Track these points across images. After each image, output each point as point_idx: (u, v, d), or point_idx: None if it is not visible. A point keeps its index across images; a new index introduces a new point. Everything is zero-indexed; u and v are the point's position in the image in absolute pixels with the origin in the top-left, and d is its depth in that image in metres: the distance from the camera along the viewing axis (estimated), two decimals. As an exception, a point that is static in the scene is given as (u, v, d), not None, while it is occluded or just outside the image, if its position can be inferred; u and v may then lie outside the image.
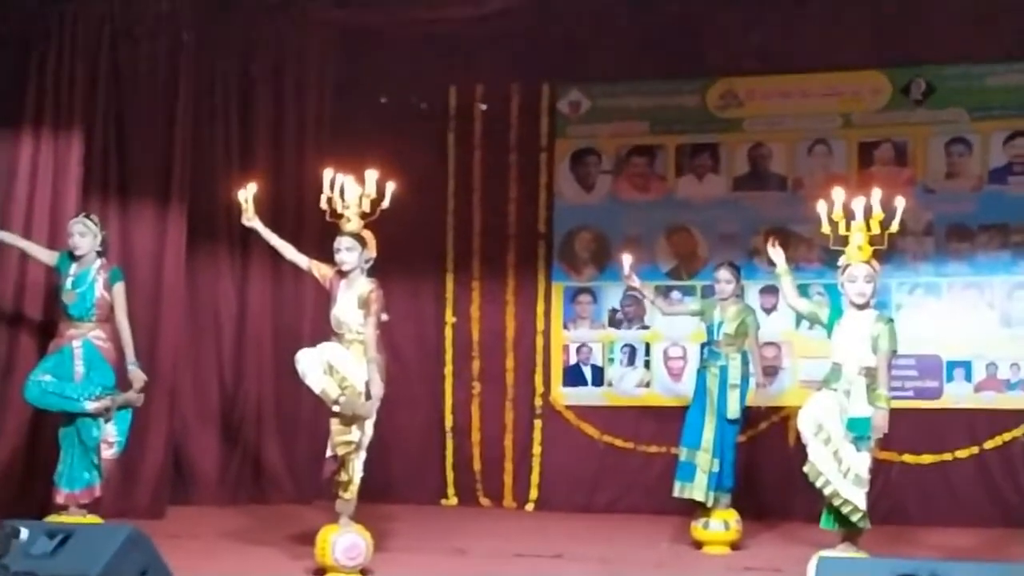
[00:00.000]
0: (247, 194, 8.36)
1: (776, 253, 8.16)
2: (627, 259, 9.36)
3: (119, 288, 8.65)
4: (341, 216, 8.12)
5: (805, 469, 7.64)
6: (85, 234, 8.64)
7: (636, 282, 9.43)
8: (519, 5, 10.14)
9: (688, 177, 10.92)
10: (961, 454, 10.12)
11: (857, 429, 7.51)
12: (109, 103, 9.88)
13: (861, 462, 7.53)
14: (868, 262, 7.71)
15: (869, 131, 10.60)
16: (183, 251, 10.13)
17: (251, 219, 8.39)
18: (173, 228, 10.03)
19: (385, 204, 8.11)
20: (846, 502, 7.50)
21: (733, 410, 9.05)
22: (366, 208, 8.12)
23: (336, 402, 7.87)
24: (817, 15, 10.44)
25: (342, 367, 7.92)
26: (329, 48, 11.27)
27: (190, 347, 10.53)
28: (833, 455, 7.53)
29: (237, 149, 10.88)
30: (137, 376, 8.61)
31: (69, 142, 9.45)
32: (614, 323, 10.94)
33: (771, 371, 10.21)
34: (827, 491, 7.54)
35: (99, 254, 8.70)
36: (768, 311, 10.34)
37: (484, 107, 11.27)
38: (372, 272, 8.29)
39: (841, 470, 7.51)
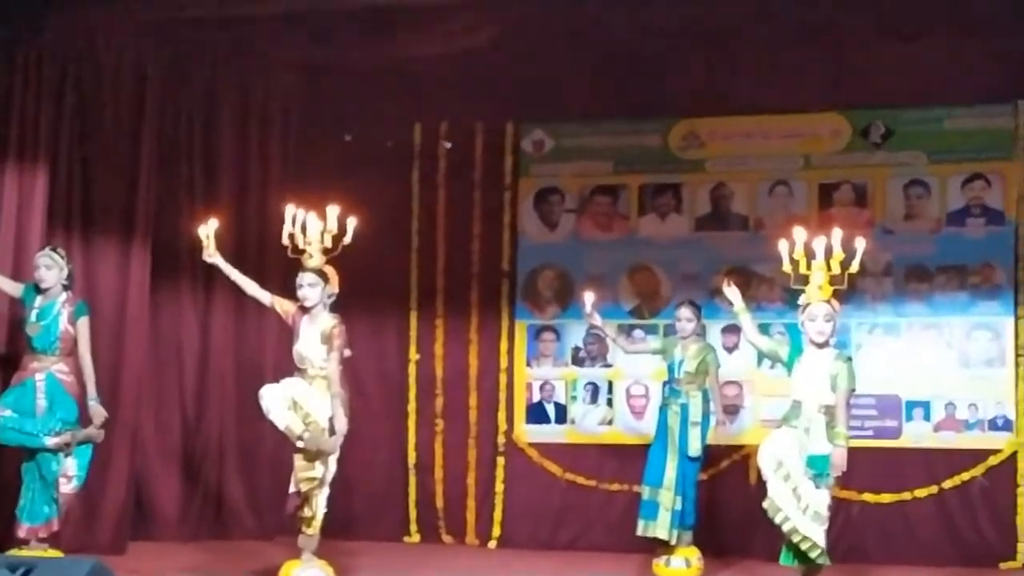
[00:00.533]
0: (208, 230, 8.40)
1: (732, 292, 8.26)
2: (589, 297, 9.44)
3: (83, 322, 8.65)
4: (303, 252, 8.17)
5: (764, 505, 7.71)
6: (52, 267, 8.64)
7: (598, 320, 9.50)
8: (484, 44, 10.22)
9: (651, 216, 11.00)
10: (920, 493, 10.18)
11: (816, 466, 7.59)
12: (74, 139, 9.89)
13: (820, 499, 7.60)
14: (828, 301, 7.82)
15: (829, 172, 10.69)
16: (146, 286, 10.12)
17: (212, 255, 8.43)
18: (136, 263, 10.03)
19: (347, 240, 8.15)
20: (805, 538, 7.56)
21: (694, 448, 9.13)
22: (328, 244, 8.17)
23: (300, 438, 7.89)
24: (778, 58, 10.52)
25: (306, 403, 7.94)
26: (293, 85, 11.32)
27: (152, 382, 10.50)
28: (792, 492, 7.60)
29: (201, 185, 10.88)
30: (98, 412, 8.60)
31: (34, 176, 9.44)
32: (577, 361, 10.98)
33: (732, 410, 10.29)
34: (786, 527, 7.60)
35: (65, 287, 8.70)
36: (730, 350, 10.41)
37: (449, 145, 11.32)
38: (336, 308, 8.34)
39: (800, 507, 7.57)
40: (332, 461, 8.15)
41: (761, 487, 7.90)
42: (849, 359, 7.90)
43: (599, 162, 11.12)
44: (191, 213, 10.31)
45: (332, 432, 7.96)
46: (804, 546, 7.59)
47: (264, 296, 8.49)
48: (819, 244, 7.77)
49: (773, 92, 10.67)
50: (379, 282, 10.88)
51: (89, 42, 9.93)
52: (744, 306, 8.27)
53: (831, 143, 10.71)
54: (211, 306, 10.78)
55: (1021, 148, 10.30)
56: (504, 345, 11.06)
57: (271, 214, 9.84)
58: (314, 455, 7.96)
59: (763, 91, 10.70)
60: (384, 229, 10.41)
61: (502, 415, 10.98)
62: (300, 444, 7.94)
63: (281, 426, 7.97)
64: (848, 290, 9.48)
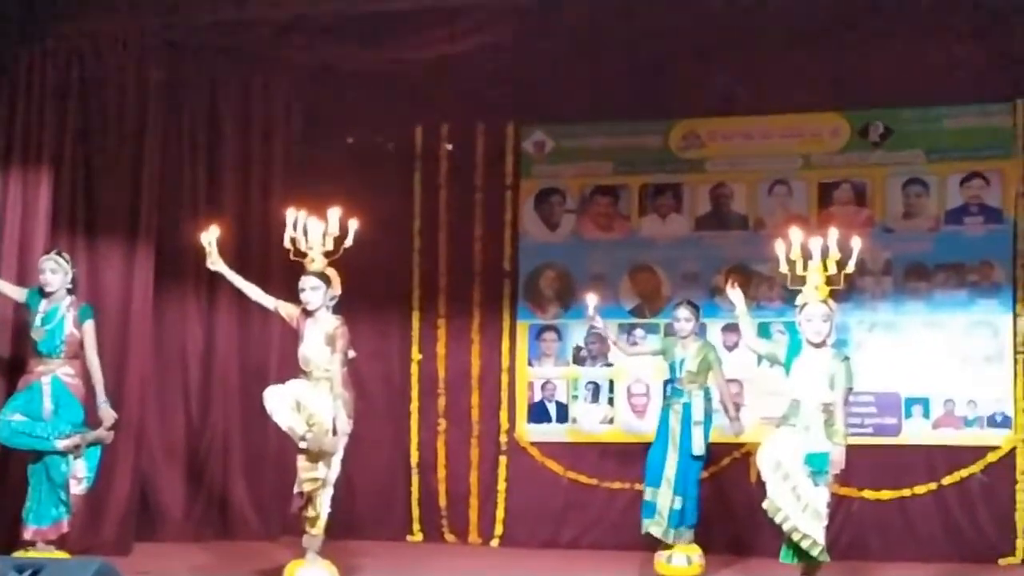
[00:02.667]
0: (209, 237, 8.45)
1: (735, 295, 8.32)
2: (591, 300, 9.50)
3: (89, 325, 8.72)
4: (305, 255, 8.22)
5: (764, 505, 7.77)
6: (56, 271, 8.71)
7: (600, 323, 9.57)
8: (484, 47, 10.27)
9: (651, 216, 11.05)
10: (920, 490, 10.22)
11: (815, 464, 7.64)
12: (77, 143, 9.95)
13: (819, 497, 7.66)
14: (825, 301, 7.84)
15: (828, 172, 10.74)
16: (150, 289, 10.18)
17: (215, 262, 8.48)
18: (141, 266, 10.09)
19: (349, 242, 8.21)
20: (805, 536, 7.62)
21: (698, 447, 9.17)
22: (330, 247, 8.22)
23: (303, 439, 7.95)
24: (777, 59, 10.56)
25: (309, 404, 8.01)
26: (295, 89, 11.35)
27: (157, 384, 10.56)
28: (792, 491, 7.65)
29: (204, 188, 10.94)
30: (107, 414, 8.66)
31: (38, 181, 9.53)
32: (578, 360, 11.03)
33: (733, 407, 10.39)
34: (786, 526, 7.66)
35: (69, 291, 8.76)
36: (730, 349, 10.45)
37: (450, 147, 11.38)
38: (338, 310, 8.40)
39: (800, 505, 7.63)
40: (336, 462, 8.21)
41: (761, 486, 7.96)
42: (846, 358, 7.94)
43: (600, 162, 11.18)
44: (194, 216, 10.40)
45: (335, 433, 8.02)
46: (804, 544, 7.65)
47: (268, 301, 8.56)
48: (815, 244, 7.81)
49: (773, 92, 10.73)
50: (381, 283, 10.95)
51: (92, 46, 9.98)
52: (746, 309, 8.32)
53: (830, 142, 10.76)
54: (215, 308, 10.84)
55: (1019, 147, 10.34)
56: (506, 345, 11.12)
57: (274, 217, 9.88)
58: (317, 456, 8.03)
59: (763, 91, 10.76)
60: (386, 230, 10.48)
61: (504, 415, 11.04)
62: (303, 445, 8.00)
63: (284, 427, 8.03)
64: (848, 289, 9.56)
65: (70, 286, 8.78)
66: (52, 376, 8.58)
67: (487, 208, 11.26)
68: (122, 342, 9.89)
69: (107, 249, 10.00)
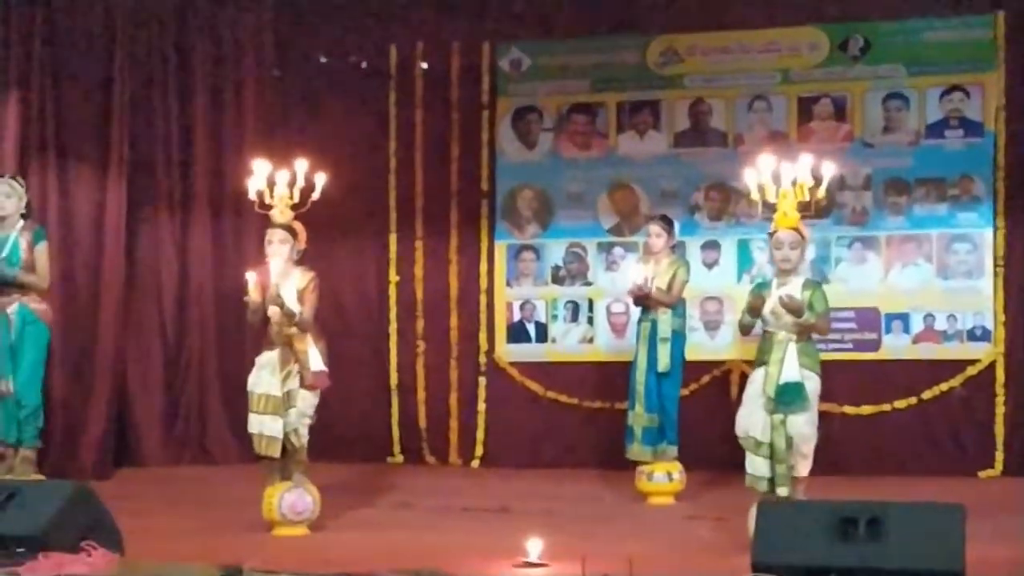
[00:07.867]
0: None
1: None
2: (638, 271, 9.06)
3: (42, 248, 8.56)
4: (271, 207, 7.92)
5: (746, 480, 7.58)
6: (11, 196, 8.54)
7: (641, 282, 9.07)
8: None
9: (629, 134, 10.95)
10: (900, 405, 10.25)
11: (789, 394, 7.33)
12: (45, 65, 9.83)
13: (799, 430, 7.40)
14: (795, 228, 7.56)
15: (808, 87, 10.64)
16: (123, 213, 10.10)
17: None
18: (113, 190, 10.00)
19: (315, 196, 7.90)
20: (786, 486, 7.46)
21: (664, 363, 8.94)
22: (296, 199, 7.98)
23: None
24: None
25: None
26: (267, 10, 11.19)
27: (132, 309, 10.49)
28: (770, 466, 7.46)
29: (176, 113, 10.81)
30: None
31: (5, 103, 9.40)
32: (557, 280, 10.98)
33: (713, 325, 10.44)
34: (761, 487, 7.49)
35: (23, 216, 8.59)
36: (709, 266, 10.45)
37: (425, 66, 11.24)
38: (315, 235, 8.18)
39: (781, 467, 7.41)
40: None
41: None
42: (818, 283, 7.62)
43: (577, 80, 11.05)
44: (167, 140, 10.28)
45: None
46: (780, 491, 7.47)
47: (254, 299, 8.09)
48: (787, 171, 7.58)
49: (751, 7, 10.66)
50: (358, 205, 10.86)
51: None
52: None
53: (809, 57, 10.65)
54: (188, 233, 10.75)
55: (1000, 60, 10.26)
56: (484, 266, 11.06)
57: (248, 142, 9.79)
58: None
59: (741, 6, 10.67)
60: (361, 152, 10.42)
61: (483, 335, 11.00)
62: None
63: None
64: (827, 205, 9.49)
65: (24, 211, 8.60)
66: (18, 305, 8.46)
67: (463, 128, 11.14)
68: (96, 266, 9.84)
69: (78, 173, 9.92)
